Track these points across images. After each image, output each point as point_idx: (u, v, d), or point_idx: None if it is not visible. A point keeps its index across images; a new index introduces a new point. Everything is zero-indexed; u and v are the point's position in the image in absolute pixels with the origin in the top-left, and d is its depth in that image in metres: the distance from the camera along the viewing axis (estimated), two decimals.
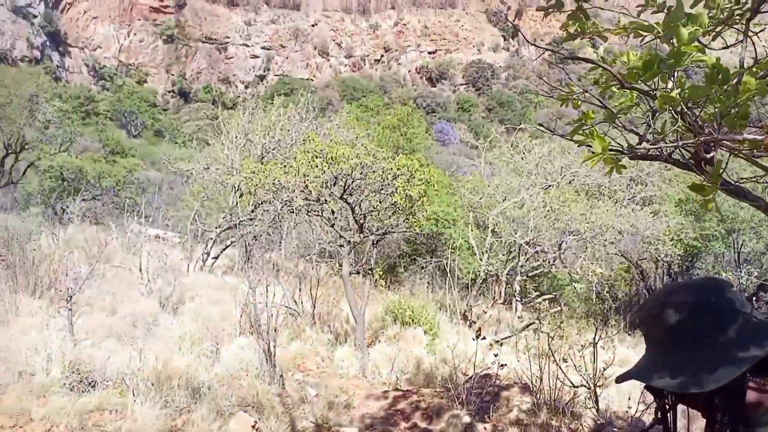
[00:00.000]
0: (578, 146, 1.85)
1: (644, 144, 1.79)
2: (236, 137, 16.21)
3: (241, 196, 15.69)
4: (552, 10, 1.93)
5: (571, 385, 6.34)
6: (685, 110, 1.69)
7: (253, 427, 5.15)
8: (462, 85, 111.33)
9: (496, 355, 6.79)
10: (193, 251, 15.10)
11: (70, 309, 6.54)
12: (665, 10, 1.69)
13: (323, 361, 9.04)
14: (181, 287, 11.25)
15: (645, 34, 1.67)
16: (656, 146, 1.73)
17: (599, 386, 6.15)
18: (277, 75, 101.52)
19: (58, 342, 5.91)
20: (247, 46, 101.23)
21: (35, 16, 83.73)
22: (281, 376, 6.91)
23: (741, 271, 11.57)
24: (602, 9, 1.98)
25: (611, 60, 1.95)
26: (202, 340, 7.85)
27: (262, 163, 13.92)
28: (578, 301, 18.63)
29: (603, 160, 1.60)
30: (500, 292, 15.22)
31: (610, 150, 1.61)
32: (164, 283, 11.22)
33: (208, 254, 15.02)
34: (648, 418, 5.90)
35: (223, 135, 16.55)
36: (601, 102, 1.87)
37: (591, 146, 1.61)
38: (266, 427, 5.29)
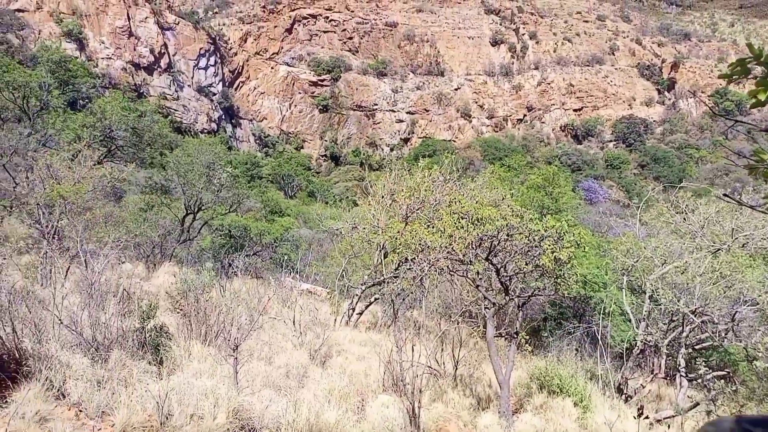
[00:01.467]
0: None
1: None
2: (382, 197, 16.92)
3: (386, 255, 16.21)
4: (737, 77, 1.84)
5: None
6: None
7: None
8: (610, 141, 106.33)
9: None
10: (340, 306, 15.76)
11: (236, 358, 7.14)
12: None
13: (465, 426, 8.80)
14: (329, 341, 11.77)
15: None
16: None
17: None
18: (420, 137, 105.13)
19: (224, 389, 6.46)
20: (393, 111, 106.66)
21: (215, 94, 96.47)
22: None
23: None
24: None
25: None
26: (348, 395, 8.09)
27: (406, 223, 14.35)
28: (758, 380, 16.23)
29: None
30: (660, 365, 13.80)
31: None
32: (314, 336, 11.83)
33: (353, 309, 15.59)
34: None
35: (370, 196, 17.37)
36: None
37: None
38: None
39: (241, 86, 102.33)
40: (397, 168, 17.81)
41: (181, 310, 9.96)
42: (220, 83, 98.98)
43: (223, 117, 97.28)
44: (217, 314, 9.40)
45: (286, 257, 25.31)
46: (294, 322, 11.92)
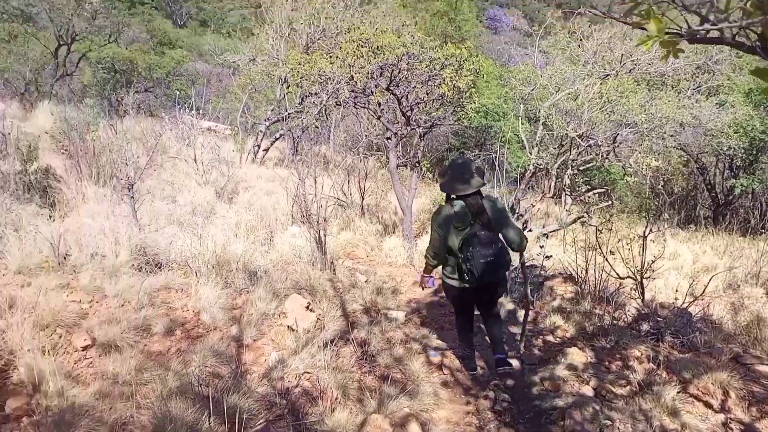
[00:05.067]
0: (632, 29, 1.73)
1: (705, 25, 1.64)
2: (280, 26, 15.84)
3: (288, 88, 15.62)
4: None
5: (616, 276, 6.40)
6: None
7: (307, 307, 5.51)
8: None
9: (542, 247, 6.88)
10: (245, 144, 15.41)
11: (132, 197, 6.92)
12: None
13: (372, 251, 9.37)
14: (235, 178, 11.65)
15: None
16: (717, 27, 1.59)
17: (646, 278, 6.19)
18: None
19: (124, 227, 6.33)
20: None
21: None
22: (332, 263, 7.25)
23: None
24: None
25: None
26: (256, 228, 8.24)
27: (307, 54, 13.67)
28: (631, 195, 18.26)
29: (659, 42, 1.51)
30: (549, 186, 15.04)
31: (667, 32, 1.50)
32: (219, 174, 11.63)
33: (258, 146, 15.31)
34: (694, 309, 5.97)
35: (267, 24, 16.19)
36: None
37: (646, 28, 1.51)
38: (319, 308, 5.65)
39: None
40: None
41: (66, 150, 9.29)
42: None
43: None
44: (108, 154, 8.89)
45: (182, 94, 23.80)
46: (195, 160, 11.57)
